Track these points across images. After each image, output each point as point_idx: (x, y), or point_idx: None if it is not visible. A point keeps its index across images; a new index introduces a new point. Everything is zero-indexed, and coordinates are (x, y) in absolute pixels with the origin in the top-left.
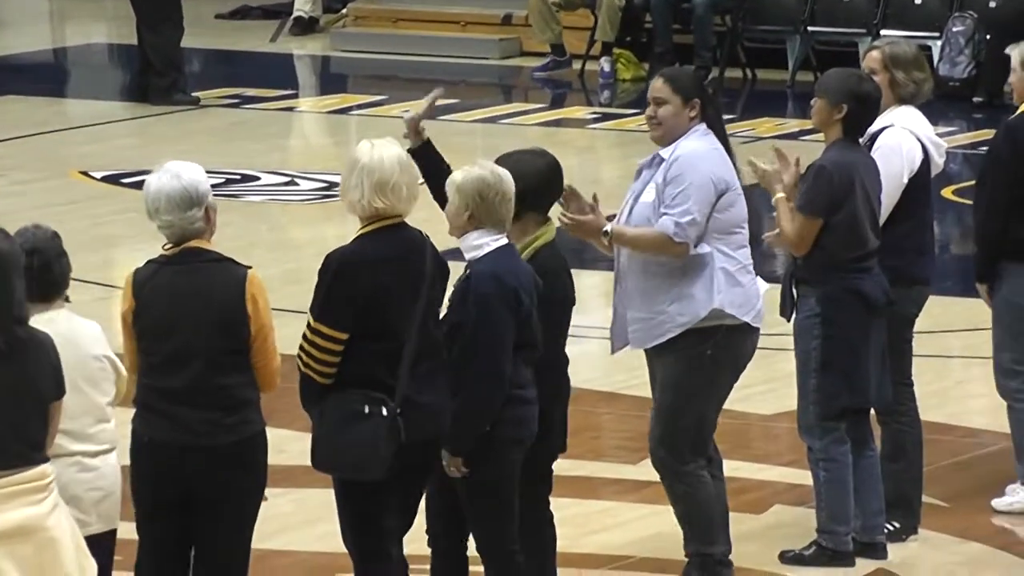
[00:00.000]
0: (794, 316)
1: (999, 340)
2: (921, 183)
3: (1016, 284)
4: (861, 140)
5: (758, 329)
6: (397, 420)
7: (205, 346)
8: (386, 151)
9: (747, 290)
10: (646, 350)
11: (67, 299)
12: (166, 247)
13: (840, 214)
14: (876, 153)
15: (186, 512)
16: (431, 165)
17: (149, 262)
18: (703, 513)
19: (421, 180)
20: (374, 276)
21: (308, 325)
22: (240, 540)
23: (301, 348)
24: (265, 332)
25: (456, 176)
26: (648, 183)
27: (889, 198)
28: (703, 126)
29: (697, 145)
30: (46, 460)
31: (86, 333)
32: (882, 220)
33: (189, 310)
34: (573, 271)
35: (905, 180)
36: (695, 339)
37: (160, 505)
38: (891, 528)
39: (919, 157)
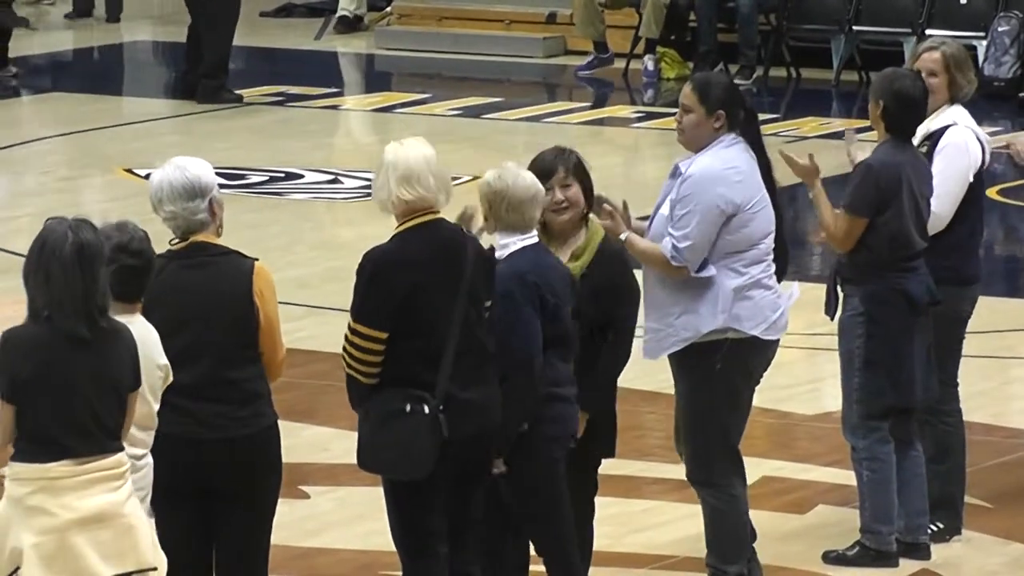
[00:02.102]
0: (838, 315)
1: None
2: (977, 183)
3: None
4: (919, 138)
5: (773, 341)
6: (439, 417)
7: (216, 340)
8: (412, 148)
9: (757, 303)
10: (668, 358)
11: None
12: (173, 242)
13: (886, 215)
14: (942, 152)
15: (204, 507)
16: None
17: (157, 257)
18: (727, 531)
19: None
20: (410, 274)
21: (348, 326)
22: (259, 533)
23: (344, 349)
24: (271, 323)
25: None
26: (668, 194)
27: (955, 196)
28: (730, 136)
29: (713, 163)
30: (122, 449)
31: (154, 340)
32: (947, 219)
33: (198, 305)
34: None
35: (971, 178)
36: (701, 354)
37: (177, 500)
38: (935, 529)
39: (979, 156)
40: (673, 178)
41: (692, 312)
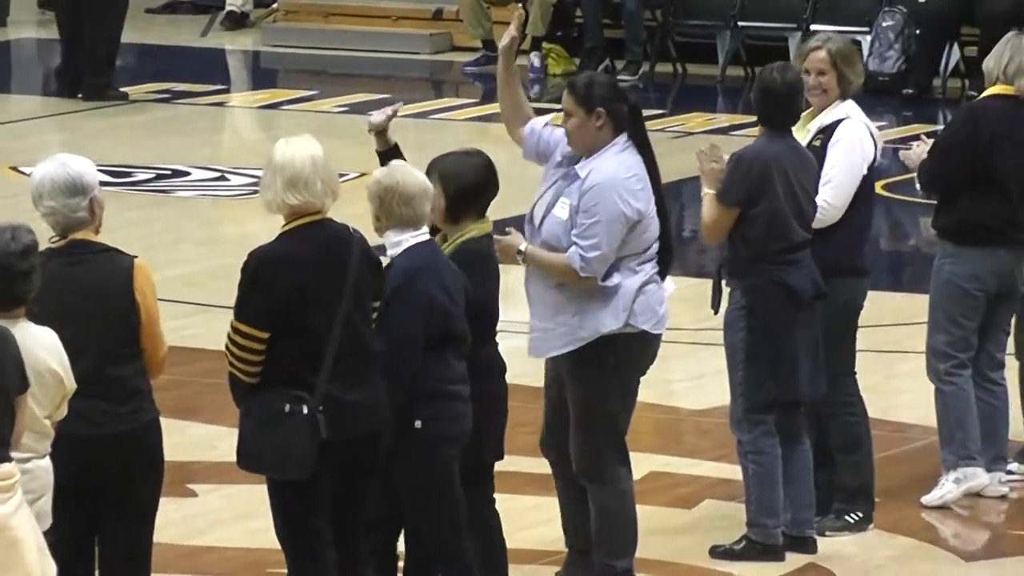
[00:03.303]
0: (723, 309)
1: (935, 322)
2: (869, 176)
3: (960, 267)
4: (812, 132)
5: (659, 335)
6: (317, 418)
7: (97, 338)
8: (299, 148)
9: (648, 299)
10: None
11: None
12: (53, 239)
13: (760, 205)
14: (837, 144)
15: (89, 504)
16: None
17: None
18: (617, 526)
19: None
20: (294, 275)
21: (231, 324)
22: (141, 528)
23: (226, 347)
24: (153, 320)
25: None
26: (561, 195)
27: (849, 188)
28: (623, 139)
29: (616, 170)
30: (10, 459)
31: (46, 345)
32: (842, 211)
33: (80, 303)
34: (503, 267)
35: (865, 171)
36: (597, 350)
37: (65, 496)
38: (855, 518)
39: (872, 151)
40: (566, 180)
41: (590, 313)
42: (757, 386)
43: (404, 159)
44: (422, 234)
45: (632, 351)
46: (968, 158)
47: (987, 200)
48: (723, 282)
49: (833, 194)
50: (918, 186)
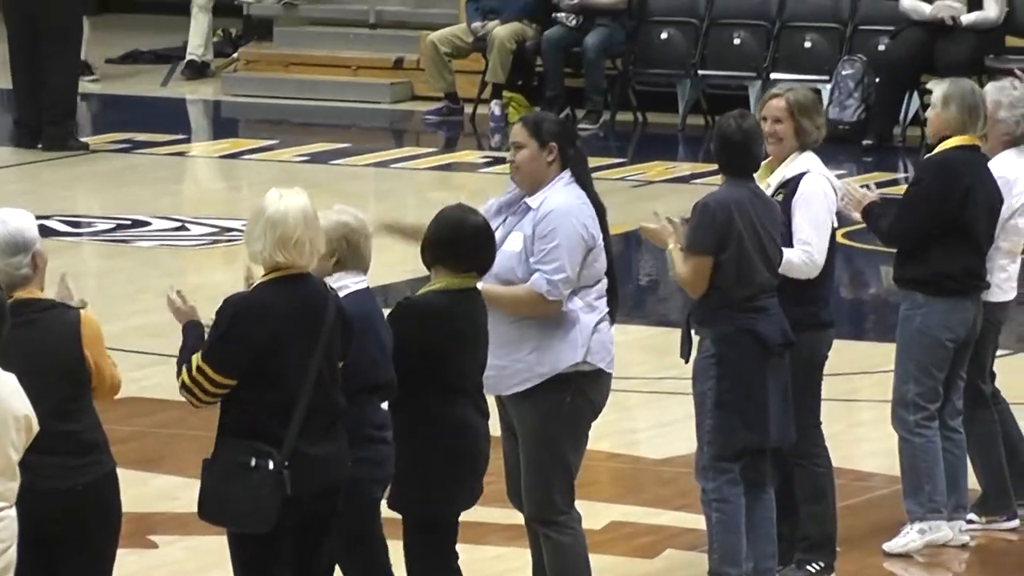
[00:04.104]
0: (692, 358)
1: (905, 373)
2: (832, 228)
3: (931, 318)
4: (774, 186)
5: (611, 374)
6: (283, 474)
7: (48, 395)
8: (292, 204)
9: (603, 336)
10: (501, 397)
11: None
12: None
13: (728, 250)
14: (803, 201)
15: (46, 553)
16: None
17: None
18: (572, 566)
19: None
20: (268, 327)
21: (197, 360)
22: None
23: (186, 376)
24: (102, 371)
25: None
26: (512, 230)
27: (826, 243)
28: (567, 174)
29: (566, 199)
30: None
31: (8, 392)
32: (821, 266)
33: (28, 362)
34: None
35: (835, 225)
36: (554, 387)
37: (23, 546)
38: (816, 568)
39: (835, 202)
40: (516, 215)
41: (548, 348)
42: (728, 434)
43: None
44: (364, 281)
45: (589, 390)
46: (942, 212)
47: (957, 251)
48: (691, 331)
49: (817, 252)
50: (878, 233)
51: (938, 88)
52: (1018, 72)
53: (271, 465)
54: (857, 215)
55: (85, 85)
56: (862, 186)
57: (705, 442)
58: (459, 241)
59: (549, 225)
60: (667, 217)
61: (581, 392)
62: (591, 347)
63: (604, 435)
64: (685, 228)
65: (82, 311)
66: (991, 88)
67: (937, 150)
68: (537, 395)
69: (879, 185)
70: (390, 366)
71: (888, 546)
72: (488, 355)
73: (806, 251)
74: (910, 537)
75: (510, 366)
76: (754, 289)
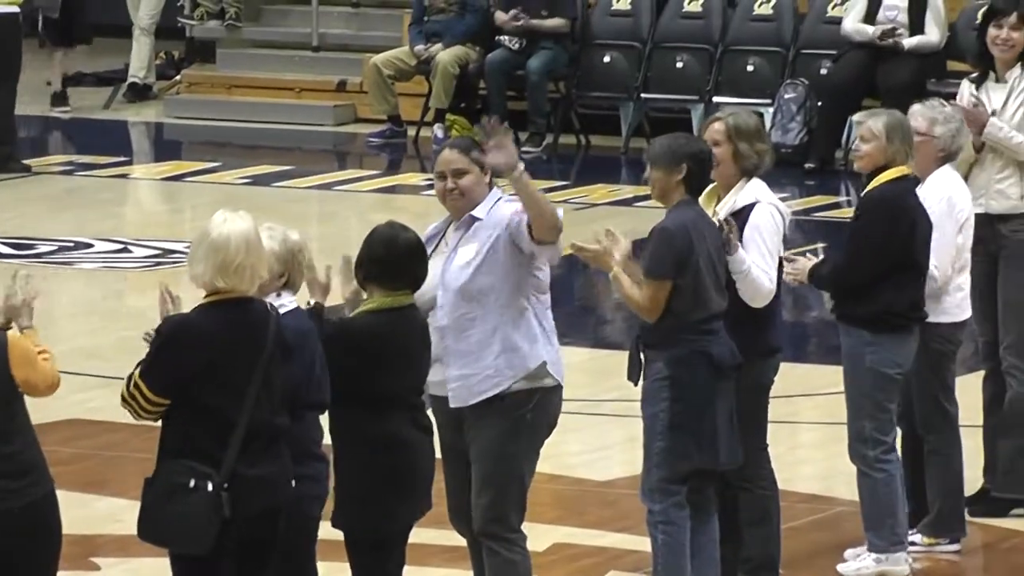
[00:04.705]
0: (641, 380)
1: (860, 410)
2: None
3: (880, 355)
4: (722, 214)
5: (563, 390)
6: (221, 496)
7: None
8: (236, 228)
9: (557, 351)
10: (462, 411)
11: None
12: None
13: (686, 276)
14: (757, 231)
15: None
16: None
17: None
18: None
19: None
20: (205, 350)
21: (134, 376)
22: None
23: (126, 389)
24: (35, 387)
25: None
26: (457, 246)
27: (774, 272)
28: (497, 191)
29: (510, 206)
30: None
31: None
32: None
33: None
34: None
35: (784, 253)
36: (515, 401)
37: None
38: None
39: (784, 230)
40: (459, 231)
41: (512, 350)
42: (680, 456)
43: None
44: (293, 301)
45: (547, 405)
46: (892, 252)
47: (905, 286)
48: (641, 353)
49: (768, 280)
50: (826, 298)
51: (874, 121)
52: (820, 249)
53: (210, 487)
54: (803, 281)
55: (26, 107)
56: (810, 251)
57: (653, 464)
58: (392, 259)
59: (504, 218)
60: (607, 229)
61: (541, 407)
62: (551, 357)
63: (545, 456)
64: (629, 249)
65: (8, 332)
66: (920, 108)
67: (877, 183)
68: (497, 409)
69: (821, 208)
70: (327, 382)
71: (842, 568)
72: (450, 368)
73: (768, 278)
74: (866, 563)
75: (477, 373)
76: (708, 312)
